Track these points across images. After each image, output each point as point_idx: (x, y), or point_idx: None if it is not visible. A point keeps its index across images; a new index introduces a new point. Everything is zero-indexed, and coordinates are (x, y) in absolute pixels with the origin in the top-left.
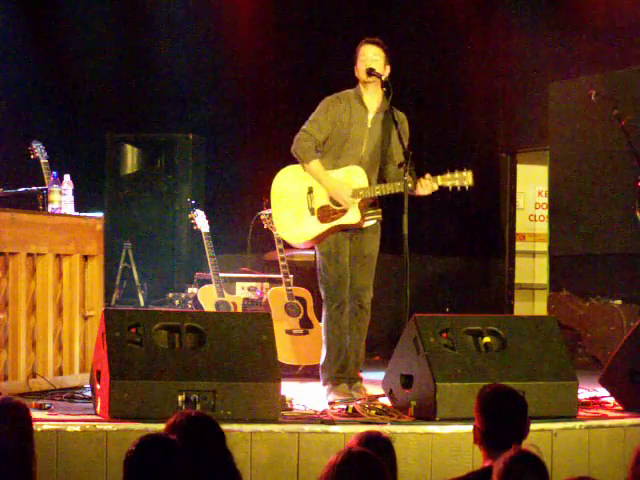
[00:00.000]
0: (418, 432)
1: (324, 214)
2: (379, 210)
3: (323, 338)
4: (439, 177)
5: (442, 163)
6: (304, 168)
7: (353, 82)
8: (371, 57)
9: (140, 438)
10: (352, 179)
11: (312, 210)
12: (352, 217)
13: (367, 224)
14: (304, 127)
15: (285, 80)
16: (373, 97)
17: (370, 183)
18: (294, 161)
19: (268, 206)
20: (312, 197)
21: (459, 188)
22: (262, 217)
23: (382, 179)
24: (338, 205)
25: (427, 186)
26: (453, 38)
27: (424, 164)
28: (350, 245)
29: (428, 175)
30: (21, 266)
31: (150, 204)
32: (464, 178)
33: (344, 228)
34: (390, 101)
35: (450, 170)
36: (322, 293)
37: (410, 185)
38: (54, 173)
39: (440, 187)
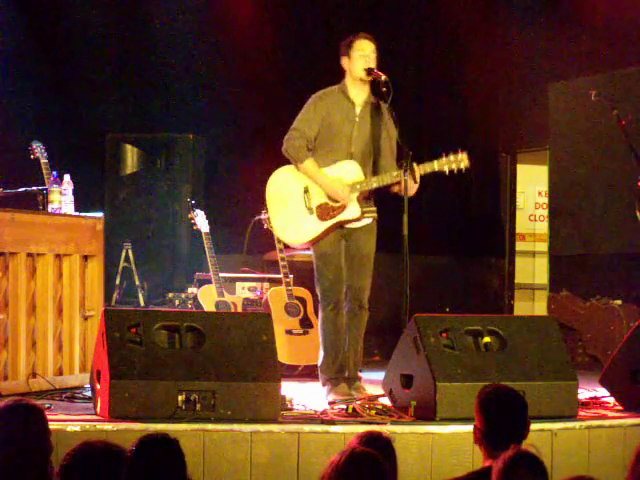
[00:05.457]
0: (418, 432)
1: (323, 212)
2: (374, 208)
3: (320, 340)
4: (435, 162)
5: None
6: (298, 168)
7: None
8: (370, 55)
9: (140, 438)
10: (347, 174)
11: (311, 209)
12: (352, 212)
13: (363, 222)
14: (293, 126)
15: (285, 80)
16: (360, 91)
17: (365, 175)
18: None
19: None
20: (309, 196)
21: (456, 171)
22: (262, 218)
23: (375, 172)
24: (336, 201)
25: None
26: (453, 38)
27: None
28: (346, 245)
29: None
30: (21, 266)
31: (150, 204)
32: (460, 160)
33: (345, 223)
34: (390, 101)
35: (445, 154)
36: (318, 294)
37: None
38: (54, 173)
39: (437, 172)
